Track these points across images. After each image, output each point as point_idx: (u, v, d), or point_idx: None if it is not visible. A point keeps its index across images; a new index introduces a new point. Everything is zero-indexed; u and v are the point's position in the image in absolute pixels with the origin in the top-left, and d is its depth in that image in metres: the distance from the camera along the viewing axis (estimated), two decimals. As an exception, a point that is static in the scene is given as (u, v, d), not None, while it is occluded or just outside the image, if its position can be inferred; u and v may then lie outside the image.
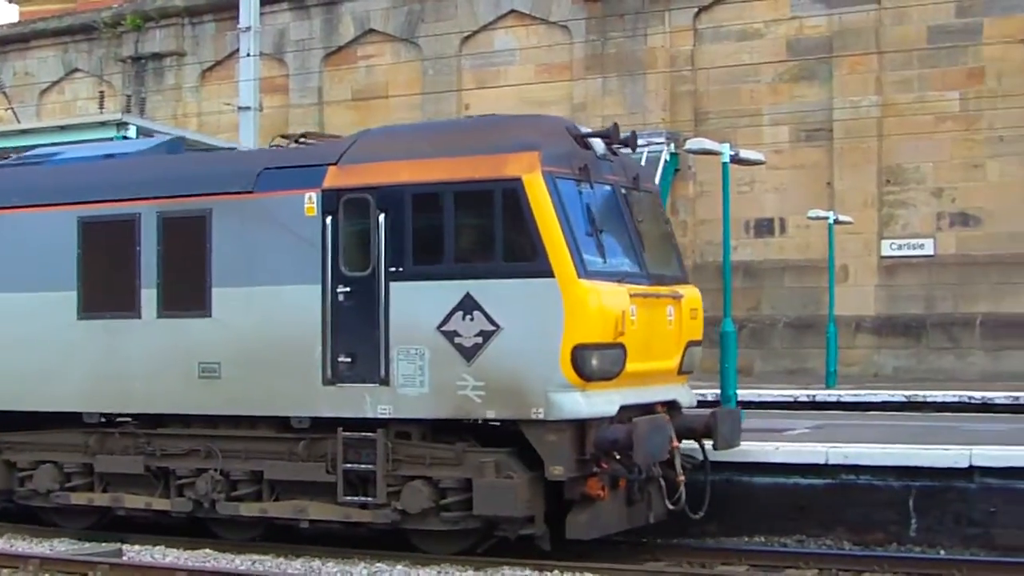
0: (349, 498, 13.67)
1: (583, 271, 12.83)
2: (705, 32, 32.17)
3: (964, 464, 14.04)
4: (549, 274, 12.75)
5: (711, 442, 14.01)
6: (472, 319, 13.02)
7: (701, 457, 14.25)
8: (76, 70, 42.02)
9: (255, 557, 14.15)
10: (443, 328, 13.12)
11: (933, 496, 14.10)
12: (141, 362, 14.82)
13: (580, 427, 12.94)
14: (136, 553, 14.37)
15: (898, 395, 24.40)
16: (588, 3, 32.90)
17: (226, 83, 36.23)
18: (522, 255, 12.97)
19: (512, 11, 34.20)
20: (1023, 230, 29.00)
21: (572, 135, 13.73)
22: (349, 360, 13.58)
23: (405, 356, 13.31)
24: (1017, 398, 23.08)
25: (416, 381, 13.26)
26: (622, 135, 14.02)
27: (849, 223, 28.83)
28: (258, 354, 14.11)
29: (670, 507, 13.70)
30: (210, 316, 14.43)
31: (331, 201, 13.77)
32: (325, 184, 13.83)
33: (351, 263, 13.66)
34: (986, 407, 22.97)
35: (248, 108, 27.39)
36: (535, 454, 12.98)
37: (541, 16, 33.85)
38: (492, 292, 12.98)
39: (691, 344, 14.33)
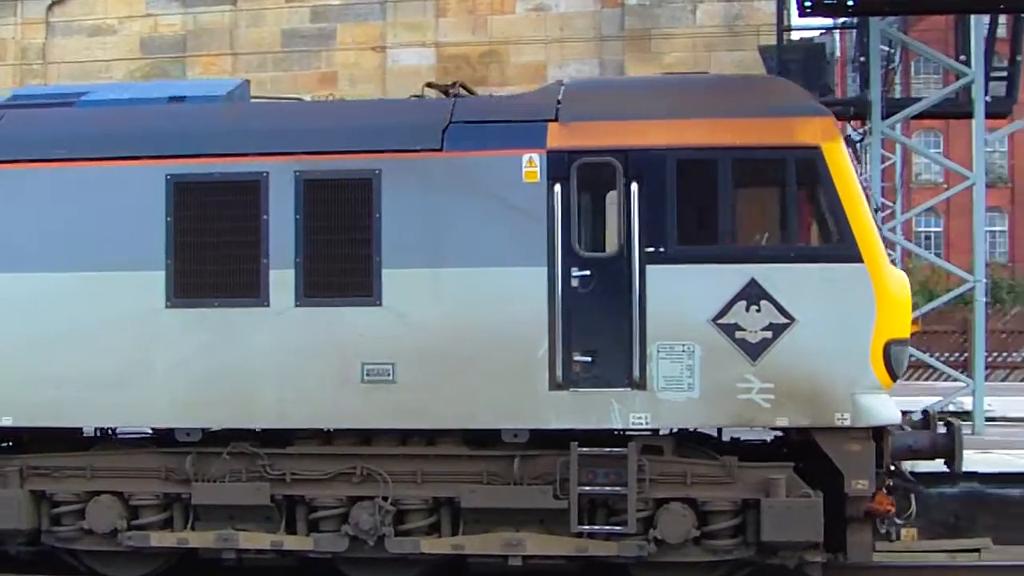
0: (588, 527, 11.39)
1: (887, 256, 11.34)
2: (57, 25, 31.23)
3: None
4: (857, 259, 11.02)
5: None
6: (759, 310, 11.08)
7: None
8: None
9: None
10: (720, 320, 11.12)
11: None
12: (270, 363, 11.58)
13: (879, 434, 11.32)
14: None
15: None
16: (-68, -12, 31.48)
17: None
18: (823, 236, 11.33)
19: None
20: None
21: None
22: (588, 359, 11.25)
23: (668, 354, 11.14)
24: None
25: (683, 384, 11.13)
26: None
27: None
28: (453, 353, 11.38)
29: (898, 523, 12.09)
30: (379, 304, 11.48)
31: (560, 165, 11.34)
32: (550, 144, 11.39)
33: (589, 241, 11.50)
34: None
35: None
36: (811, 468, 11.35)
37: None
38: (784, 278, 11.09)
39: None
